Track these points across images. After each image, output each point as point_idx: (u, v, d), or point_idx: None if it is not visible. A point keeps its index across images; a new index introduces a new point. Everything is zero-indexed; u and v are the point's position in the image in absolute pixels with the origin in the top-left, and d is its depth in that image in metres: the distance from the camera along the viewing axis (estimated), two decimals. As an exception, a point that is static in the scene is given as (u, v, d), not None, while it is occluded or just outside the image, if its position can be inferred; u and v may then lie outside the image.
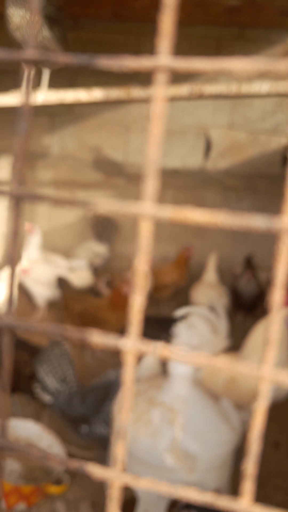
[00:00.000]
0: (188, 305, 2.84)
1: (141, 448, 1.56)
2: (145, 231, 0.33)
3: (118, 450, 0.36)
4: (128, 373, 0.34)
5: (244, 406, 2.01)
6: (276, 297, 0.30)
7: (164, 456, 1.52)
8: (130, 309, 0.34)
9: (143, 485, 0.35)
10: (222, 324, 2.34)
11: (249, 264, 3.75)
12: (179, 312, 2.32)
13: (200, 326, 2.28)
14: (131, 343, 0.33)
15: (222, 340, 2.28)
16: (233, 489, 2.03)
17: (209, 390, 1.79)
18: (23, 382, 2.30)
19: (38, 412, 2.57)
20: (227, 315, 2.53)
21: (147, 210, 0.32)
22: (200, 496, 0.34)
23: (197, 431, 1.58)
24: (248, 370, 0.32)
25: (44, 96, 2.38)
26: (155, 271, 3.88)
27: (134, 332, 0.33)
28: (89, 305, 3.02)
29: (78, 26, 3.99)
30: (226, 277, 3.77)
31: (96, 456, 2.29)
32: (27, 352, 2.34)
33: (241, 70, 0.29)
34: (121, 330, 2.70)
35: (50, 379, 1.99)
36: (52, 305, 3.58)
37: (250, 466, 0.33)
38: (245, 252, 3.91)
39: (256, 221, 0.29)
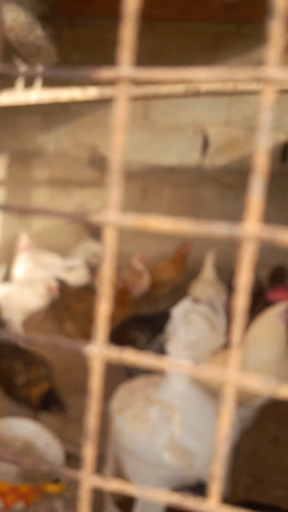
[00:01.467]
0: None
1: (139, 446, 1.57)
2: (110, 238, 0.34)
3: (88, 452, 0.37)
4: (96, 379, 0.35)
5: (241, 403, 2.03)
6: (239, 302, 0.31)
7: (162, 453, 1.54)
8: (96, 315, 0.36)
9: (112, 487, 0.37)
10: (221, 321, 2.35)
11: None
12: (175, 309, 2.32)
13: (198, 322, 2.29)
14: (97, 349, 0.34)
15: (220, 336, 2.29)
16: (231, 484, 2.05)
17: (207, 387, 1.81)
18: (15, 391, 2.30)
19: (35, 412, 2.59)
20: (225, 312, 2.54)
21: (111, 218, 0.33)
22: (168, 497, 0.35)
23: (195, 428, 1.59)
24: (213, 374, 0.33)
25: (38, 94, 2.39)
26: (153, 269, 3.89)
27: (101, 338, 0.34)
28: (94, 303, 3.10)
29: (74, 24, 3.98)
30: (224, 274, 3.78)
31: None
32: (22, 361, 2.34)
33: (202, 80, 0.30)
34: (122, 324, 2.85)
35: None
36: (50, 305, 3.59)
37: (217, 468, 0.34)
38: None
39: (219, 229, 0.30)
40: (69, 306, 3.17)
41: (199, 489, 1.35)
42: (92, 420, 0.38)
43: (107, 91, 2.41)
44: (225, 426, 0.34)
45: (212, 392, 1.80)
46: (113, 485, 0.38)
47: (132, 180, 4.29)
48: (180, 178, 4.22)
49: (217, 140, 4.12)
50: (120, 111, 0.32)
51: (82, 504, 0.41)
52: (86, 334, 3.00)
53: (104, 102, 4.07)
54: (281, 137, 4.04)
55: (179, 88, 2.30)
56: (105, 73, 0.32)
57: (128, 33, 0.31)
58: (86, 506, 0.41)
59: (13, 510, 1.97)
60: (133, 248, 4.39)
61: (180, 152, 4.18)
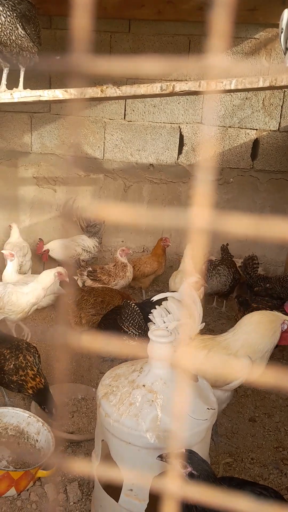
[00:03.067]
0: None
1: (124, 430, 1.56)
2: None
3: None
4: (61, 362, 0.34)
5: (219, 384, 2.04)
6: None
7: (146, 436, 1.53)
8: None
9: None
10: (198, 310, 2.33)
11: (225, 252, 3.79)
12: (156, 297, 2.32)
13: (176, 311, 2.28)
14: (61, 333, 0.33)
15: (197, 324, 2.28)
16: (212, 460, 2.07)
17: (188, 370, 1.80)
18: (5, 378, 2.29)
19: (25, 400, 2.56)
20: (202, 301, 2.54)
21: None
22: (131, 476, 0.34)
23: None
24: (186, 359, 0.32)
25: (20, 94, 2.34)
26: (136, 261, 3.88)
27: (63, 323, 0.33)
28: (103, 296, 3.22)
29: (53, 24, 3.91)
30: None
31: (81, 439, 2.29)
32: (9, 349, 2.32)
33: (149, 71, 0.30)
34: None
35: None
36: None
37: (176, 448, 0.34)
38: (220, 241, 3.93)
39: (165, 219, 0.30)
40: (80, 299, 3.21)
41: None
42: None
43: (88, 91, 2.37)
44: (182, 404, 0.33)
45: (192, 375, 1.80)
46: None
47: (114, 177, 4.25)
48: (159, 175, 4.21)
49: (193, 138, 4.11)
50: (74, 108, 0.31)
51: None
52: (94, 324, 3.07)
53: (86, 102, 4.01)
54: (252, 135, 4.05)
55: (156, 88, 2.27)
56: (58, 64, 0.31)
57: (79, 24, 0.30)
58: None
59: (5, 496, 1.95)
60: (116, 243, 4.37)
61: (157, 151, 4.15)
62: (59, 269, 2.94)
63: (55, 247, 4.03)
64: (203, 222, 0.29)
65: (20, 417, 2.23)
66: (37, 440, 2.18)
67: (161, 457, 1.38)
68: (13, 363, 2.25)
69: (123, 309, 2.49)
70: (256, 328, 2.09)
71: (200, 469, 1.32)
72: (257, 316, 2.15)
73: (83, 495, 1.97)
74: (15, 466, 2.08)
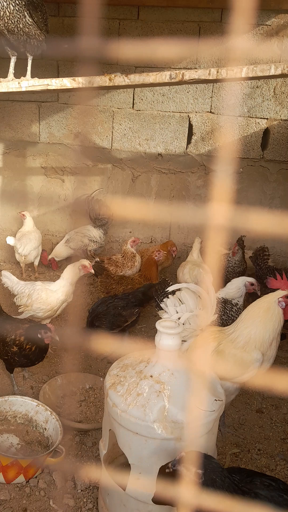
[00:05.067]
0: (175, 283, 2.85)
1: (131, 420, 1.58)
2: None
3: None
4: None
5: (227, 376, 2.05)
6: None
7: (153, 427, 1.54)
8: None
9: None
10: (212, 300, 2.32)
11: (239, 244, 3.79)
12: (172, 287, 2.32)
13: (189, 302, 2.27)
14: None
15: (210, 315, 2.28)
16: (219, 450, 2.08)
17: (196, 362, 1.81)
18: (9, 353, 2.40)
19: (34, 389, 2.60)
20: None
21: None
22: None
23: (184, 402, 1.60)
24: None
25: (28, 83, 2.33)
26: (143, 252, 3.88)
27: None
28: (132, 284, 3.37)
29: (61, 12, 3.88)
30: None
31: (89, 427, 2.32)
32: (11, 325, 2.44)
33: (166, 54, 0.28)
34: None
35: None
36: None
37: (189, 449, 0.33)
38: (231, 233, 3.91)
39: (173, 210, 0.29)
40: (109, 287, 3.35)
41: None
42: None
43: (96, 80, 2.35)
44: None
45: (200, 367, 1.80)
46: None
47: (122, 167, 4.24)
48: (167, 165, 4.18)
49: (202, 127, 4.07)
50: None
51: None
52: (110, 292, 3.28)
53: (94, 91, 3.99)
54: (262, 125, 4.00)
55: (165, 76, 2.25)
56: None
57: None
58: None
59: (14, 484, 1.98)
60: (124, 233, 4.37)
61: (166, 140, 4.12)
62: (83, 261, 2.89)
63: (58, 253, 4.16)
64: (222, 218, 0.29)
65: (28, 406, 2.27)
66: (45, 429, 2.21)
67: (174, 461, 1.36)
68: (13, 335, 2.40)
69: (159, 286, 2.62)
70: (254, 321, 2.09)
71: (214, 472, 1.32)
72: (251, 309, 2.15)
73: (90, 483, 2.00)
74: (24, 454, 2.12)
